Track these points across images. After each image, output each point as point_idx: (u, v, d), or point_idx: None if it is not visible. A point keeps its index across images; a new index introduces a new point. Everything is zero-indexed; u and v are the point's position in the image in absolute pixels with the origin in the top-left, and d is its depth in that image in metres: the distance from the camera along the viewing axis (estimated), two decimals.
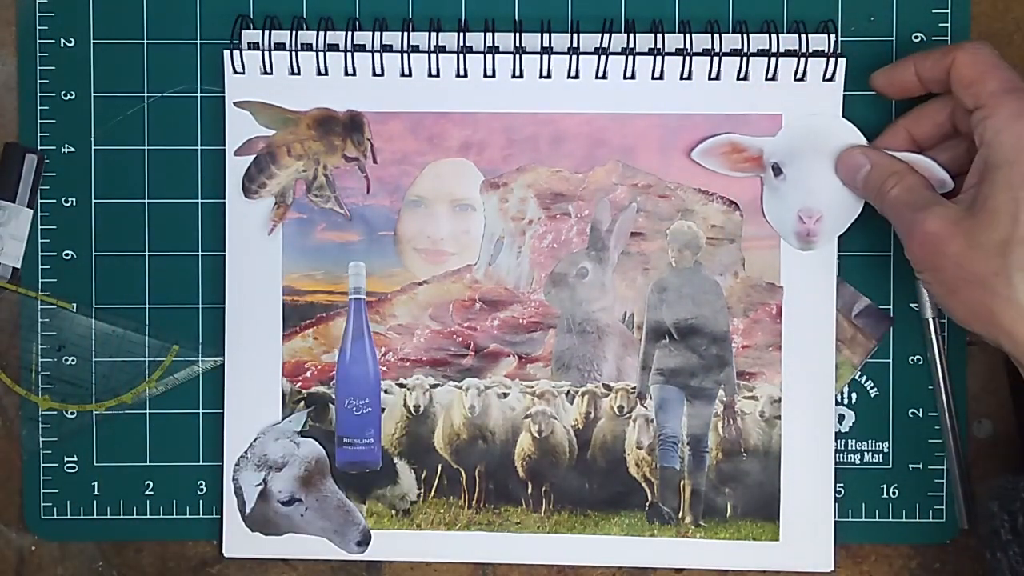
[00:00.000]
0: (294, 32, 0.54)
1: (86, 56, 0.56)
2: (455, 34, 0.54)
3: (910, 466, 0.55)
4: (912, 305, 0.55)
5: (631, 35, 0.54)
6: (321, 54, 0.54)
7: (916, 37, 0.55)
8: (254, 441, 0.55)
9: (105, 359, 0.56)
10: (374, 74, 0.54)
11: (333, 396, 0.55)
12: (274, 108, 0.54)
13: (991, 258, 0.45)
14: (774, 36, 0.53)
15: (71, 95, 0.56)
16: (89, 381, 0.56)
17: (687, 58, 0.53)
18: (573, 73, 0.54)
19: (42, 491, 0.56)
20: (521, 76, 0.54)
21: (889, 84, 0.52)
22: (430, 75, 0.54)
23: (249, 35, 0.54)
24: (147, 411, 0.56)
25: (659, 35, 0.53)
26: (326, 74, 0.54)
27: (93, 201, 0.56)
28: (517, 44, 0.54)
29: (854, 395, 0.56)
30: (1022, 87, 0.46)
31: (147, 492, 0.56)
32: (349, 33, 0.54)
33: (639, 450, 0.55)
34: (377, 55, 0.54)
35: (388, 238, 0.55)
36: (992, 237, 0.45)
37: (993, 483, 0.48)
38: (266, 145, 0.54)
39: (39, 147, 0.56)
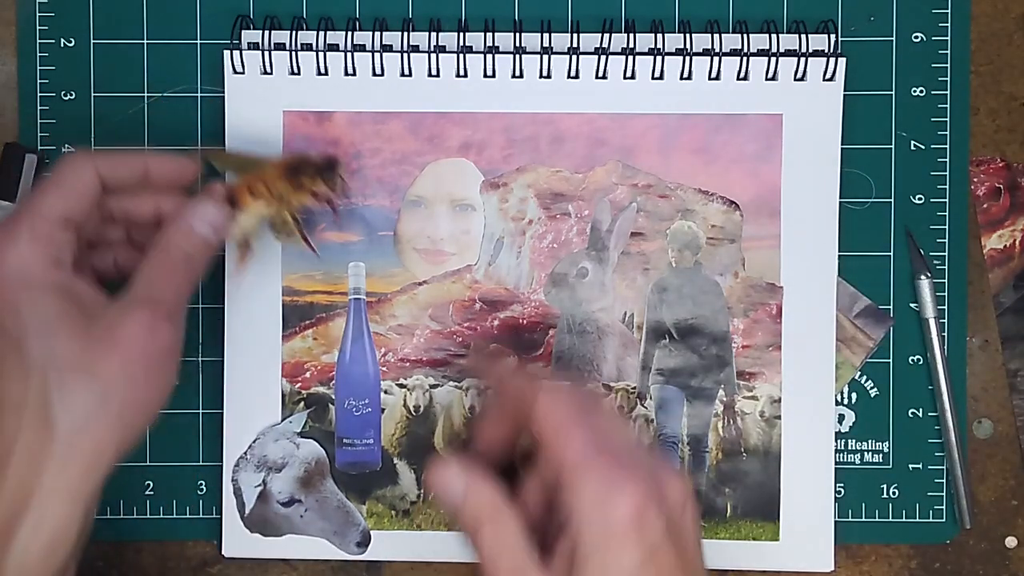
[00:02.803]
0: (294, 32, 0.54)
1: (86, 56, 0.56)
2: (455, 34, 0.54)
3: (910, 466, 0.55)
4: (912, 305, 0.55)
5: (631, 35, 0.54)
6: (321, 54, 0.54)
7: (916, 37, 0.55)
8: (254, 442, 0.55)
9: None
10: (374, 74, 0.54)
11: (333, 396, 0.55)
12: (236, 156, 0.52)
13: None
14: (774, 36, 0.53)
15: (71, 95, 0.56)
16: None
17: (687, 58, 0.53)
18: (573, 73, 0.54)
19: None
20: (521, 76, 0.54)
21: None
22: (430, 75, 0.54)
23: (249, 35, 0.54)
24: None
25: (659, 35, 0.54)
26: (326, 74, 0.54)
27: None
28: (517, 44, 0.54)
29: (854, 395, 0.56)
30: (603, 449, 0.40)
31: (147, 492, 0.56)
32: (349, 33, 0.54)
33: None
34: (377, 55, 0.54)
35: (388, 238, 0.55)
36: None
37: None
38: (225, 190, 0.50)
39: (39, 147, 0.55)
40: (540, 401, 0.41)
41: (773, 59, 0.53)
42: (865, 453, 0.55)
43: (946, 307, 0.55)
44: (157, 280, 0.45)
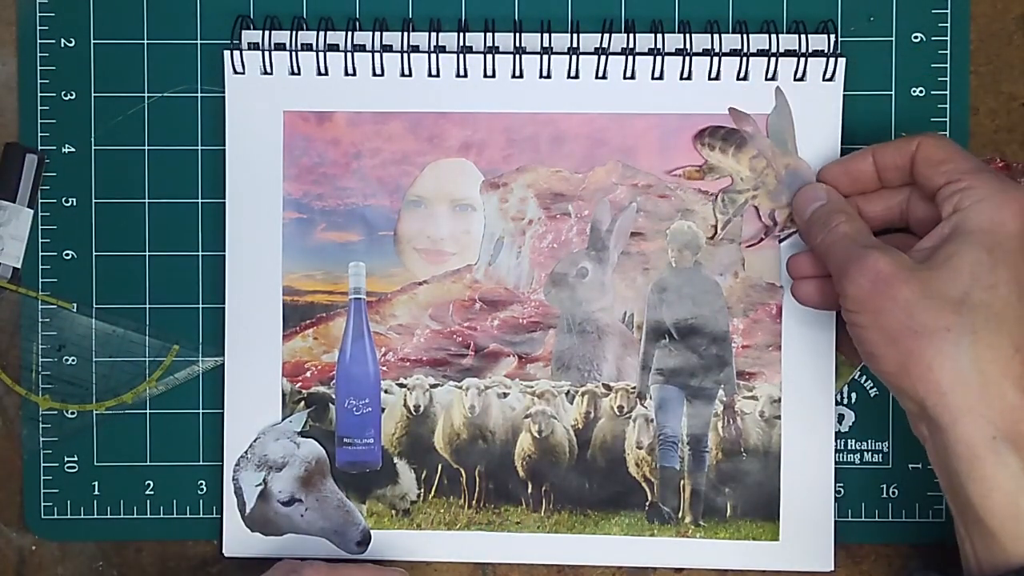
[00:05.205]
0: (294, 32, 0.54)
1: (86, 56, 0.56)
2: (455, 34, 0.54)
3: (910, 466, 0.55)
4: None
5: (631, 35, 0.54)
6: (321, 54, 0.54)
7: (916, 37, 0.55)
8: (254, 441, 0.55)
9: (105, 359, 0.56)
10: (374, 74, 0.54)
11: (333, 396, 0.55)
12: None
13: (945, 313, 0.43)
14: (774, 36, 0.53)
15: (71, 95, 0.56)
16: (89, 381, 0.56)
17: (687, 58, 0.53)
18: (573, 73, 0.54)
19: (42, 491, 0.56)
20: (521, 76, 0.54)
21: (844, 173, 0.51)
22: (430, 75, 0.54)
23: (249, 35, 0.54)
24: (147, 411, 0.56)
25: (659, 35, 0.54)
26: (326, 74, 0.54)
27: (93, 201, 0.56)
28: (517, 44, 0.54)
29: (854, 395, 0.56)
30: (990, 170, 0.47)
31: (147, 492, 0.56)
32: (349, 33, 0.54)
33: (639, 450, 0.55)
34: (377, 55, 0.54)
35: (388, 238, 0.55)
36: (950, 292, 0.43)
37: None
38: (753, 129, 0.53)
39: (39, 147, 0.56)
40: (929, 136, 0.49)
41: (773, 59, 0.53)
42: (865, 453, 0.56)
43: None
44: None
